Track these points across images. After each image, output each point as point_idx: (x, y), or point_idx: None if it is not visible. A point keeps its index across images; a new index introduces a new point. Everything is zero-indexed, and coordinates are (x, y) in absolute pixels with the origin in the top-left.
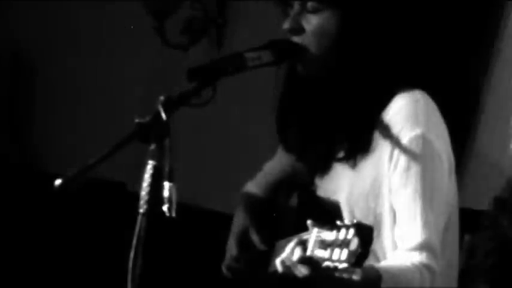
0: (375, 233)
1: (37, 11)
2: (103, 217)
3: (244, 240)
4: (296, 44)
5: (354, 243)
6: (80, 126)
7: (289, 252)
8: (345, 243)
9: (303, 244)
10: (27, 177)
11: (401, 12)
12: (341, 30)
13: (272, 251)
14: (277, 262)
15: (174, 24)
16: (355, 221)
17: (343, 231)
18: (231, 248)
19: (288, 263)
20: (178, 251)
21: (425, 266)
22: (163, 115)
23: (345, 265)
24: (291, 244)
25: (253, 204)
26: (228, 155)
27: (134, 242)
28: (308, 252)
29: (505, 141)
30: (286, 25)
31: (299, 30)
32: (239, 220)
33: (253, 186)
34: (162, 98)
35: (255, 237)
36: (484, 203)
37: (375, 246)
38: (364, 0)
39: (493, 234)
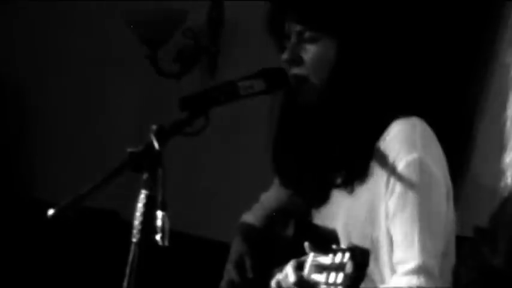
0: (372, 258)
1: (27, 38)
2: (96, 246)
3: (241, 266)
4: (287, 73)
5: (350, 267)
6: (72, 154)
7: (286, 275)
8: (340, 267)
9: (300, 268)
10: (19, 206)
11: (398, 39)
12: (339, 58)
13: (269, 280)
14: (273, 283)
15: (167, 53)
16: (350, 245)
17: (339, 255)
18: (228, 273)
19: (284, 286)
20: (171, 280)
21: None
22: (156, 144)
23: None
24: (288, 267)
25: (250, 233)
26: (221, 183)
27: (127, 271)
28: (304, 276)
29: (499, 170)
30: (284, 57)
31: (298, 61)
32: (237, 247)
33: (250, 217)
34: (154, 127)
35: (248, 264)
36: None
37: (373, 271)
38: (361, 28)
39: (474, 263)
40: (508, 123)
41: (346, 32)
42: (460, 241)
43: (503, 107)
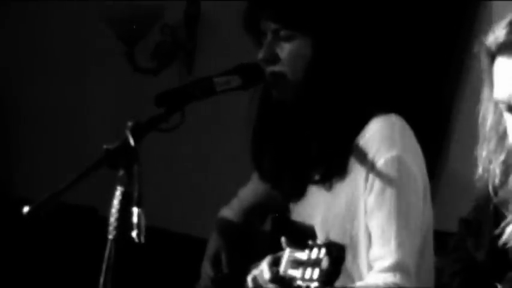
0: (351, 255)
1: (5, 36)
2: (74, 242)
3: (218, 262)
4: (263, 69)
5: (325, 262)
6: (49, 151)
7: (261, 271)
8: (317, 263)
9: (276, 264)
10: None
11: (374, 36)
12: (315, 55)
13: (245, 275)
14: (249, 279)
15: (144, 49)
16: (327, 241)
17: (315, 250)
18: (205, 269)
19: (260, 282)
20: (148, 276)
21: (399, 287)
22: (132, 141)
23: (316, 284)
24: (263, 263)
25: (227, 228)
26: (198, 180)
27: (104, 267)
28: (280, 272)
29: (474, 165)
30: (260, 55)
31: (274, 59)
32: (214, 242)
33: (228, 212)
34: (130, 123)
35: (224, 260)
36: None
37: (351, 267)
38: (336, 25)
39: (459, 256)
40: (480, 118)
41: (321, 30)
42: (438, 236)
43: (478, 102)
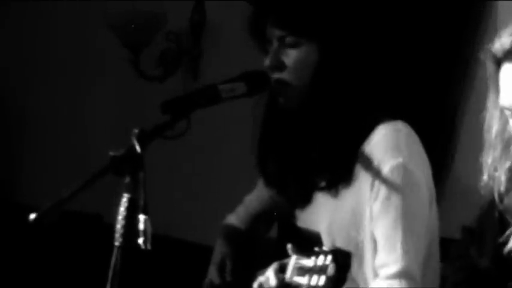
0: (357, 262)
1: (7, 41)
2: (80, 249)
3: (224, 268)
4: (270, 77)
5: (331, 269)
6: (54, 158)
7: (267, 278)
8: (323, 269)
9: (282, 271)
10: (0, 210)
11: (379, 42)
12: (321, 62)
13: (251, 282)
14: (255, 286)
15: (149, 56)
16: (333, 247)
17: (321, 257)
18: (211, 275)
19: None
20: (154, 283)
21: None
22: (138, 148)
23: None
24: (269, 270)
25: (233, 235)
26: (204, 186)
27: (110, 274)
28: (286, 279)
29: (479, 172)
30: (266, 62)
31: (280, 66)
32: (220, 249)
33: (233, 219)
34: (136, 130)
35: (230, 267)
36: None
37: (356, 274)
38: (342, 32)
39: (462, 264)
40: (485, 125)
41: (327, 37)
42: (444, 242)
43: (484, 108)
